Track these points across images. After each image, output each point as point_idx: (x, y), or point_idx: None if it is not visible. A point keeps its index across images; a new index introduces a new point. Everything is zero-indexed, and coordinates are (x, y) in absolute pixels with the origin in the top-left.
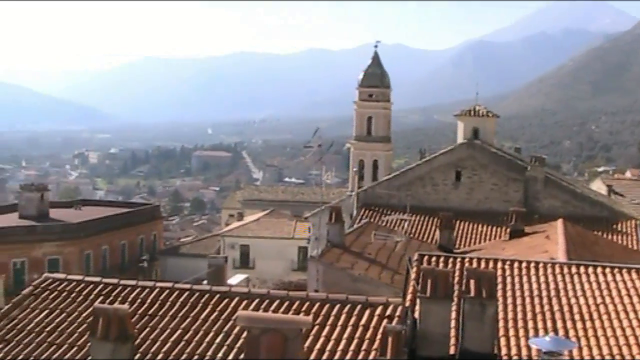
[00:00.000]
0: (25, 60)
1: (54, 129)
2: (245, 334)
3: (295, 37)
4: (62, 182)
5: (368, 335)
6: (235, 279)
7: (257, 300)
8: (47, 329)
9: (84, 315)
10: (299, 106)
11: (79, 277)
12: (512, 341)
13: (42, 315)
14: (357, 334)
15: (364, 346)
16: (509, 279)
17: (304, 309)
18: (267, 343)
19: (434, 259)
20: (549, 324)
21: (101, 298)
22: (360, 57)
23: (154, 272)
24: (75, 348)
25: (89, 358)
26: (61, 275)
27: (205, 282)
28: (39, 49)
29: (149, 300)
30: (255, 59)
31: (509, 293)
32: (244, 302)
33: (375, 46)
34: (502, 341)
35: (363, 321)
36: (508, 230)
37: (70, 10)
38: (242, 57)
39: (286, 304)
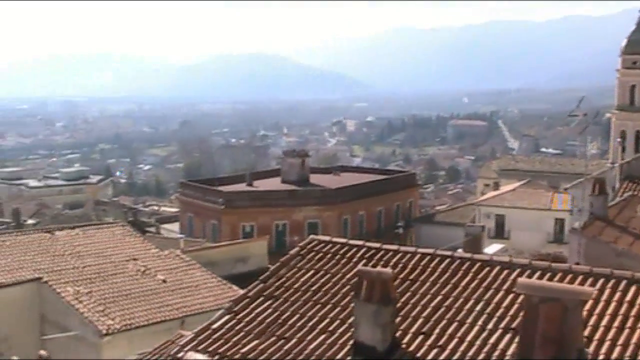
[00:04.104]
0: (288, 33)
1: (312, 98)
2: (506, 302)
3: (552, 4)
4: (320, 149)
5: (633, 312)
6: (491, 248)
7: (518, 270)
8: (312, 288)
9: (348, 276)
10: (555, 75)
11: (343, 240)
12: None
13: (307, 275)
14: (622, 311)
15: (629, 323)
16: None
17: (566, 281)
18: (546, 312)
19: None
20: None
21: (364, 261)
22: (623, 23)
23: (409, 239)
24: (338, 308)
25: (352, 318)
26: (326, 238)
27: (461, 250)
28: (300, 23)
29: (410, 265)
30: (511, 27)
31: None
32: (505, 272)
33: None
34: None
35: (628, 297)
36: None
37: None
38: (498, 26)
39: (548, 275)
